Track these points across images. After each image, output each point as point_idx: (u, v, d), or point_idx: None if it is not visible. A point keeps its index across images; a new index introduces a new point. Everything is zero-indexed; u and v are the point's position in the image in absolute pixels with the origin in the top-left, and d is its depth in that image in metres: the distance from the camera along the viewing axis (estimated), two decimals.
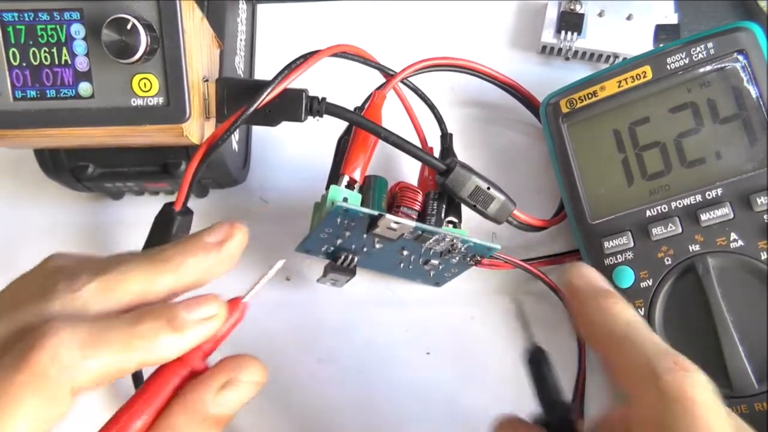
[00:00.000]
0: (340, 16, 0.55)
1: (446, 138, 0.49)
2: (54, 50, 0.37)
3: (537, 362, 0.36)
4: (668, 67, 0.44)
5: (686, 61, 0.43)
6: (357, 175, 0.43)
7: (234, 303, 0.32)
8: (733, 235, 0.42)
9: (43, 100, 0.37)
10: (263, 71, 0.52)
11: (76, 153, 0.45)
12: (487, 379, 0.48)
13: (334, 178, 0.44)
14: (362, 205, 0.43)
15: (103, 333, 0.28)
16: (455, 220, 0.46)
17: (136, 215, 0.51)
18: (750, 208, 0.41)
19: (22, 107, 0.37)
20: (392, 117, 0.46)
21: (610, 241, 0.45)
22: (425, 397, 0.48)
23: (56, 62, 0.37)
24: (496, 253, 0.45)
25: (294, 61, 0.41)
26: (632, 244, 0.44)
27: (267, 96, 0.40)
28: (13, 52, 0.37)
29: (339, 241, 0.44)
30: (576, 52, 0.52)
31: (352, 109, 0.44)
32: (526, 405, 0.47)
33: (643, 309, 0.44)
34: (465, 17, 0.55)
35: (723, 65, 0.43)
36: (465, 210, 0.46)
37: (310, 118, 0.41)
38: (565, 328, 0.48)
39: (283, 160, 0.52)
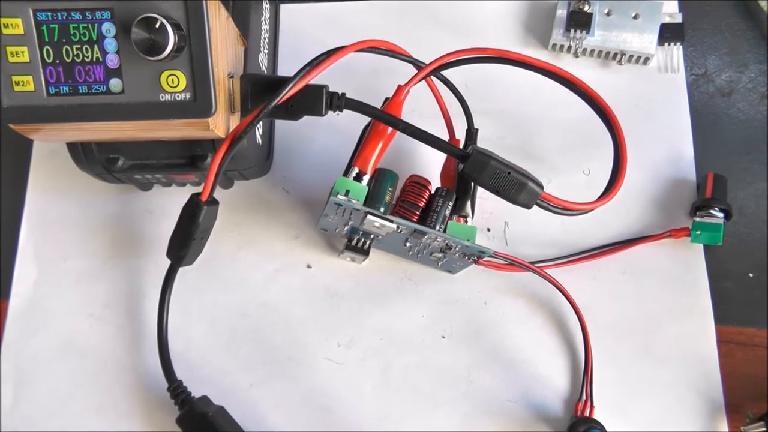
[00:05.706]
0: (354, 17, 0.55)
1: (471, 133, 0.48)
2: (86, 48, 0.36)
3: None
4: None
5: None
6: (368, 167, 0.43)
7: None
8: None
9: (76, 95, 0.37)
10: (286, 69, 0.52)
11: (106, 146, 0.44)
12: (499, 363, 0.47)
13: (347, 168, 0.43)
14: (368, 197, 0.43)
15: None
16: (466, 215, 0.45)
17: (164, 205, 0.51)
18: None
19: (55, 102, 0.37)
20: (421, 113, 0.46)
21: None
22: (441, 379, 0.47)
23: (88, 59, 0.36)
24: (505, 254, 0.45)
25: (316, 59, 0.40)
26: None
27: (288, 91, 0.39)
28: (47, 50, 0.36)
29: (351, 224, 0.44)
30: (585, 49, 0.52)
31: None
32: (538, 389, 0.47)
33: None
34: (475, 17, 0.54)
35: None
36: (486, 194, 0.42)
37: (330, 112, 0.41)
38: (573, 321, 0.47)
39: (306, 152, 0.52)
